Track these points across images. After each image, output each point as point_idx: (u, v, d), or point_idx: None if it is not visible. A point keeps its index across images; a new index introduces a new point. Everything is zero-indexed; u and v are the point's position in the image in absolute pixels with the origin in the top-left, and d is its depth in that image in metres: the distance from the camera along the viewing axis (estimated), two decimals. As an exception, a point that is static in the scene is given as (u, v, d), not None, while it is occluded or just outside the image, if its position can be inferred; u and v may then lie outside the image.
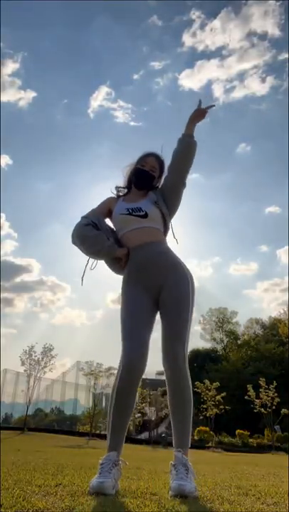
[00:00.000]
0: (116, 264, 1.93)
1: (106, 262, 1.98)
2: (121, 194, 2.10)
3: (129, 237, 1.91)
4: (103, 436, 18.07)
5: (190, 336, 1.77)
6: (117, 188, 2.13)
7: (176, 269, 1.85)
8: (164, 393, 20.95)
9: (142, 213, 1.90)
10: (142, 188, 2.04)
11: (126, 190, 2.11)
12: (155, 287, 1.82)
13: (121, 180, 2.15)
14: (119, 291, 1.93)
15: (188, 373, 1.70)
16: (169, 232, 2.02)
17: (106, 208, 2.04)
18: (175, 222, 2.07)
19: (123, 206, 1.96)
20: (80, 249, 1.93)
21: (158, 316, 1.85)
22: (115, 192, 2.12)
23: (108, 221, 2.05)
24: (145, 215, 1.90)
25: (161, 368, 1.75)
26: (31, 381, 18.90)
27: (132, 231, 1.90)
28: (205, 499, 1.40)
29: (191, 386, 1.70)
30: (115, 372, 1.82)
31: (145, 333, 1.75)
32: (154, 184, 2.07)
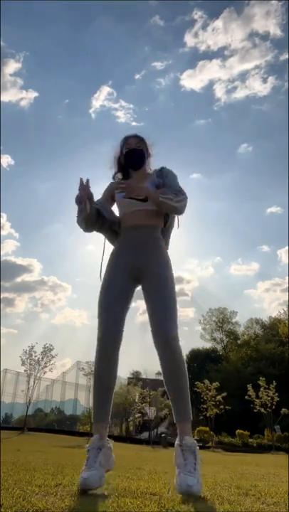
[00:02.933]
0: (111, 232, 2.00)
1: (105, 234, 2.05)
2: (121, 179, 2.13)
3: (127, 218, 1.98)
4: (103, 436, 18.02)
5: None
6: (115, 176, 2.17)
7: (161, 255, 1.90)
8: (164, 393, 20.96)
9: (141, 197, 1.92)
10: (138, 166, 2.08)
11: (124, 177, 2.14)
12: (138, 268, 1.86)
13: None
14: None
15: (181, 349, 1.69)
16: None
17: (109, 195, 2.09)
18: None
19: None
20: (81, 226, 1.95)
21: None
22: (115, 179, 2.17)
23: (115, 208, 2.10)
24: (145, 199, 1.92)
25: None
26: (31, 381, 18.93)
27: (131, 213, 1.97)
28: (205, 499, 1.40)
29: (184, 361, 1.70)
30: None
31: (120, 311, 1.80)
32: (146, 158, 2.10)
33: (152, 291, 1.80)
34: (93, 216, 1.92)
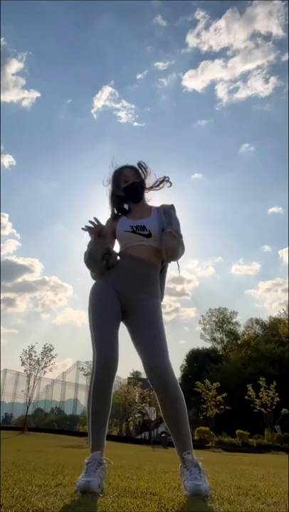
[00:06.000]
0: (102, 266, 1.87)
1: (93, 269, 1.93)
2: (121, 214, 2.09)
3: (129, 252, 1.91)
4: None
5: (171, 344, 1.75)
6: (114, 213, 2.10)
7: (152, 296, 1.86)
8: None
9: (145, 232, 1.90)
10: (139, 199, 2.05)
11: (127, 210, 2.10)
12: (127, 299, 1.82)
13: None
14: None
15: (178, 382, 1.69)
16: None
17: (111, 231, 2.00)
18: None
19: (127, 223, 1.96)
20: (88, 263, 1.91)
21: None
22: (114, 213, 2.10)
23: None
24: (149, 235, 1.89)
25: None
26: (31, 381, 18.94)
27: (134, 246, 1.91)
28: (205, 499, 1.40)
29: (182, 395, 1.68)
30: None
31: (116, 337, 1.76)
32: (145, 188, 2.07)
33: (147, 326, 1.76)
34: (101, 254, 1.84)
